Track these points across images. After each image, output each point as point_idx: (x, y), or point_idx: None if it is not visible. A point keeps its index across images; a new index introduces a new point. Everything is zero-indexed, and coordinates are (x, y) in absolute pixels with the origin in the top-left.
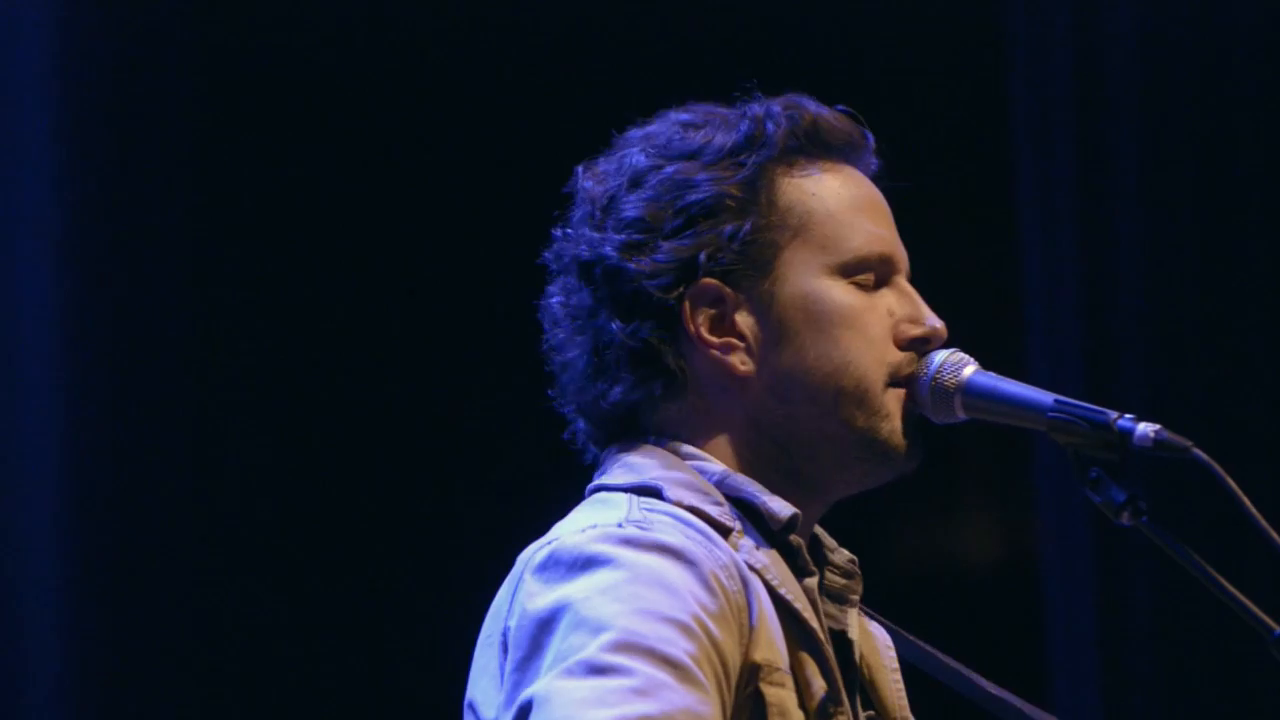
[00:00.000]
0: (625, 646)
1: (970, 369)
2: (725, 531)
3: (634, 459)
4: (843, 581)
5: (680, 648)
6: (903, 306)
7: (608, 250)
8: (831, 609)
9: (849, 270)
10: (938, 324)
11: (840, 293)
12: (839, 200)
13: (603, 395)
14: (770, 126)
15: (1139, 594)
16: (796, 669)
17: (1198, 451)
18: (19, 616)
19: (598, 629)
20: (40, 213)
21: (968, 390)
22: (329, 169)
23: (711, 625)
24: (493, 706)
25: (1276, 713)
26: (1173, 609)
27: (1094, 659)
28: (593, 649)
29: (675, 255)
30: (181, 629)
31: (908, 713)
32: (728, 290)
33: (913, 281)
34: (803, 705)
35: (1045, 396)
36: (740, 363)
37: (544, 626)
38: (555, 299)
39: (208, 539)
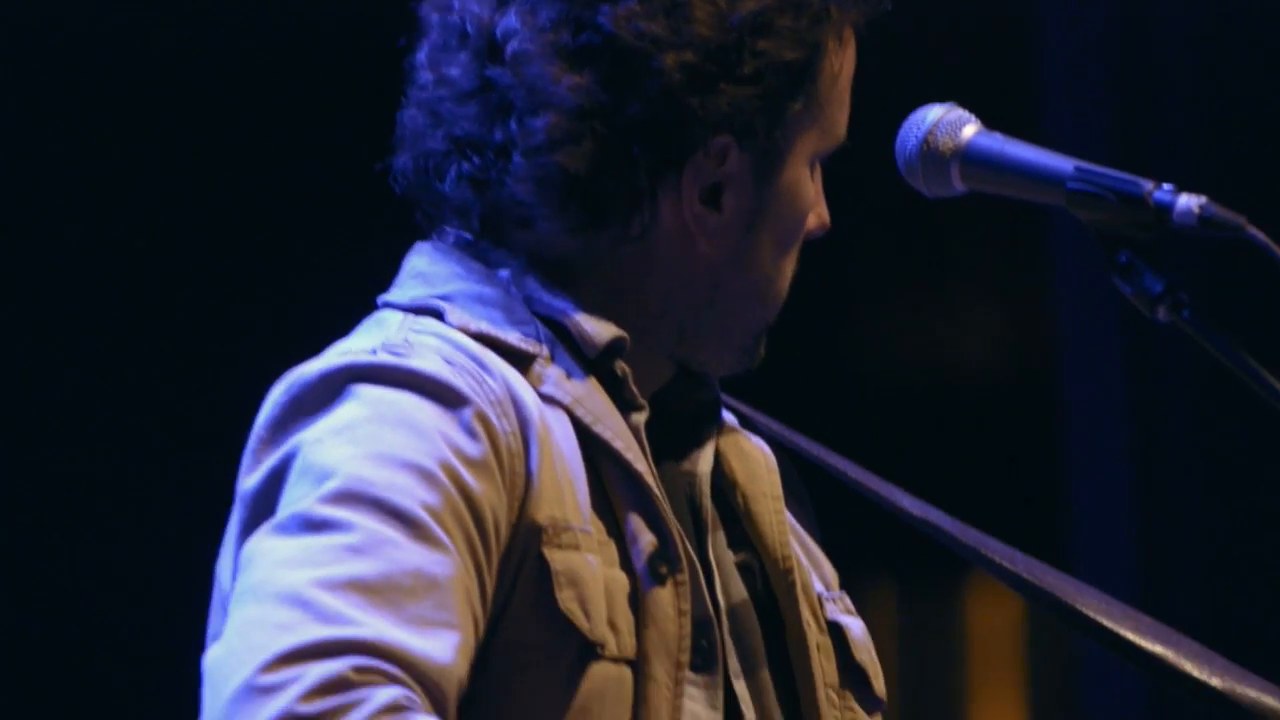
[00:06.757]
0: (348, 497)
1: (971, 128)
2: (526, 359)
3: (436, 267)
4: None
5: (416, 499)
6: (819, 202)
7: (641, 42)
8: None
9: (821, 158)
10: (829, 224)
11: (809, 189)
12: (846, 76)
13: (565, 199)
14: None
15: (1178, 405)
16: (615, 522)
17: (1253, 230)
18: None
19: (322, 477)
20: None
21: (968, 155)
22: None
23: (465, 474)
24: (227, 571)
25: None
26: (1219, 423)
27: (1124, 485)
28: (310, 500)
29: (726, 91)
30: None
31: (787, 541)
32: (734, 154)
33: None
34: (625, 565)
35: (1064, 162)
36: (706, 244)
37: (276, 478)
38: (539, 65)
39: None
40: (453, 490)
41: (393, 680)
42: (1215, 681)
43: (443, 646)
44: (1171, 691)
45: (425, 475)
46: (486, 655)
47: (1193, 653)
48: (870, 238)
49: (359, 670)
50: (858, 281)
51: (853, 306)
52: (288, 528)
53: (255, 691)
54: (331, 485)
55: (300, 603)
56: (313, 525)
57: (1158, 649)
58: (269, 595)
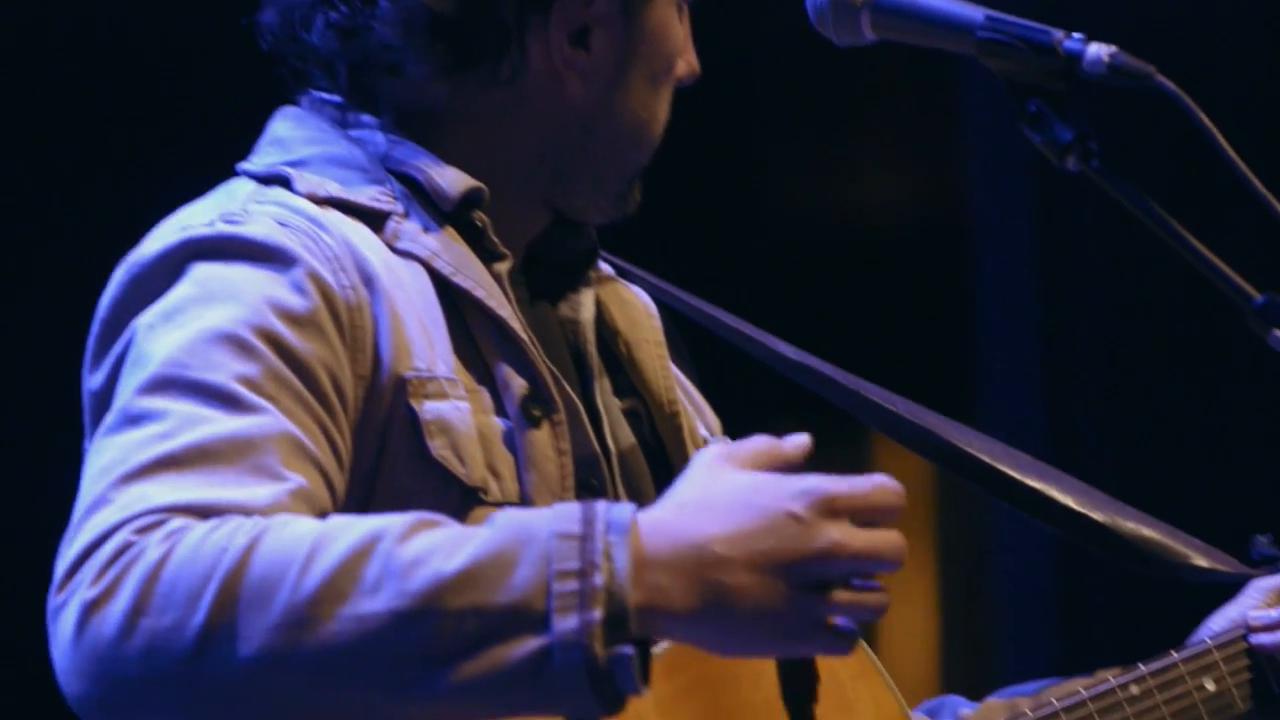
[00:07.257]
0: (163, 383)
1: None
2: (379, 218)
3: (295, 132)
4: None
5: (230, 373)
6: (687, 48)
7: None
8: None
9: (689, 1)
10: (698, 70)
11: (678, 31)
12: None
13: (425, 47)
14: None
15: (1087, 252)
16: (485, 369)
17: (1162, 79)
18: None
19: (144, 366)
20: None
21: (879, 3)
22: None
23: (289, 335)
24: None
25: (1243, 394)
26: (1128, 273)
27: (1032, 332)
28: (129, 393)
29: None
30: None
31: (672, 385)
32: None
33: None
34: (500, 411)
35: (975, 11)
36: (576, 86)
37: (115, 371)
38: None
39: None
40: (271, 355)
41: (175, 519)
42: (1097, 515)
43: (258, 494)
44: (1073, 541)
45: (241, 346)
46: (372, 509)
47: (1074, 488)
48: (780, 89)
49: (141, 529)
50: (767, 134)
51: (763, 159)
52: (113, 427)
53: (54, 615)
54: (150, 373)
55: (103, 504)
56: (131, 419)
57: (1037, 484)
58: (80, 512)
